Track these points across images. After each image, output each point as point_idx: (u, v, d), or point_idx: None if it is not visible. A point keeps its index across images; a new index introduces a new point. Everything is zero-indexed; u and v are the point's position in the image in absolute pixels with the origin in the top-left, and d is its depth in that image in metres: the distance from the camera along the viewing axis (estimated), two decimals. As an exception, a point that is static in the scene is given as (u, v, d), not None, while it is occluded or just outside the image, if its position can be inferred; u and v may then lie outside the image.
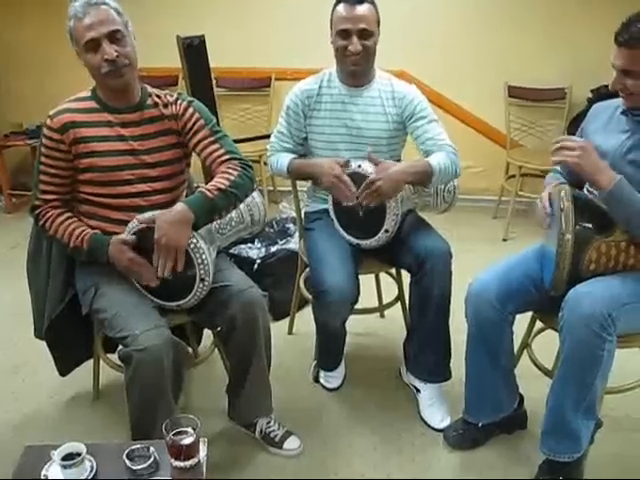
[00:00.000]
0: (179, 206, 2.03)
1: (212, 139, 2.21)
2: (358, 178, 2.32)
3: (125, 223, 2.10)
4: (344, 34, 2.39)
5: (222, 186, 2.10)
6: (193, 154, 2.32)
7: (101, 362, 2.51)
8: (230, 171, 2.14)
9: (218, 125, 2.28)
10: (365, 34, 2.38)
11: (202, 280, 2.08)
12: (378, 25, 2.43)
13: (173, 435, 1.58)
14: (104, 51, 2.01)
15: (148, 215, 2.03)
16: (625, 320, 1.93)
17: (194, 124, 2.21)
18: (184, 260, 2.01)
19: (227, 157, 2.19)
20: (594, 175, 1.92)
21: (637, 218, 1.92)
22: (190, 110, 2.22)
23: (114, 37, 2.02)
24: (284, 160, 2.61)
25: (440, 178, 2.38)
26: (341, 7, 2.39)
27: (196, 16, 4.79)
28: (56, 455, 1.58)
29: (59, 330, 2.39)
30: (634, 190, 1.91)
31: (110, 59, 2.01)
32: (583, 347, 1.90)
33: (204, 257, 2.05)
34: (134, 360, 1.92)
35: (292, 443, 2.36)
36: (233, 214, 2.28)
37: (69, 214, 2.19)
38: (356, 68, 2.46)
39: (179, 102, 2.23)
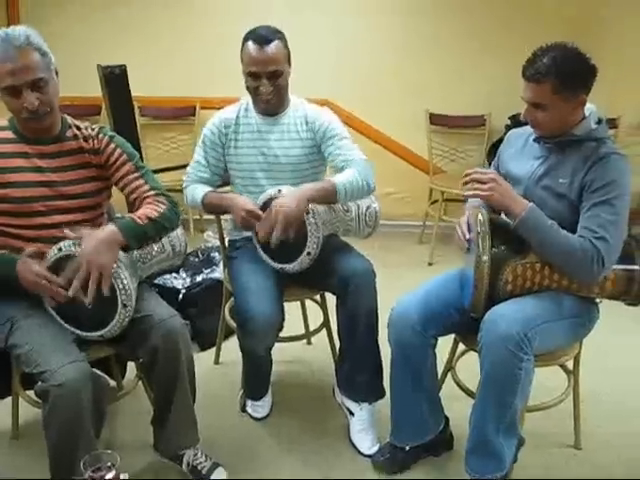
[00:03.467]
0: (109, 227, 2.01)
1: (137, 175, 2.20)
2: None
3: (41, 255, 2.05)
4: (254, 76, 2.41)
5: (152, 215, 2.09)
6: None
7: (20, 399, 2.43)
8: (158, 204, 2.15)
9: (142, 160, 2.27)
10: (275, 75, 2.40)
11: (125, 306, 2.03)
12: (288, 59, 2.45)
13: (92, 472, 1.54)
14: (25, 99, 1.96)
15: (76, 234, 1.99)
16: (541, 339, 1.99)
17: (117, 159, 2.20)
18: (109, 284, 1.96)
19: (153, 192, 2.18)
20: (507, 205, 2.01)
21: (549, 244, 1.99)
22: (112, 145, 2.20)
23: (37, 85, 1.97)
24: (199, 192, 2.57)
25: (348, 195, 2.37)
26: (250, 46, 2.38)
27: (119, 46, 4.73)
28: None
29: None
30: (545, 217, 2.00)
31: (31, 109, 1.98)
32: (501, 367, 1.95)
33: (125, 282, 2.01)
34: (51, 396, 1.86)
35: (219, 475, 2.32)
36: (154, 245, 2.26)
37: None
38: (268, 106, 2.49)
39: (100, 137, 2.20)
